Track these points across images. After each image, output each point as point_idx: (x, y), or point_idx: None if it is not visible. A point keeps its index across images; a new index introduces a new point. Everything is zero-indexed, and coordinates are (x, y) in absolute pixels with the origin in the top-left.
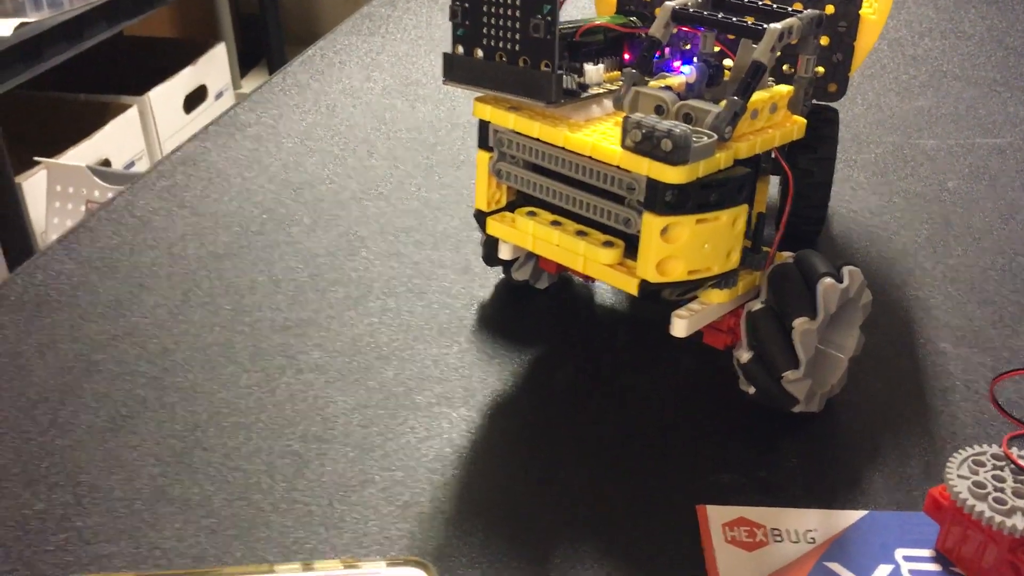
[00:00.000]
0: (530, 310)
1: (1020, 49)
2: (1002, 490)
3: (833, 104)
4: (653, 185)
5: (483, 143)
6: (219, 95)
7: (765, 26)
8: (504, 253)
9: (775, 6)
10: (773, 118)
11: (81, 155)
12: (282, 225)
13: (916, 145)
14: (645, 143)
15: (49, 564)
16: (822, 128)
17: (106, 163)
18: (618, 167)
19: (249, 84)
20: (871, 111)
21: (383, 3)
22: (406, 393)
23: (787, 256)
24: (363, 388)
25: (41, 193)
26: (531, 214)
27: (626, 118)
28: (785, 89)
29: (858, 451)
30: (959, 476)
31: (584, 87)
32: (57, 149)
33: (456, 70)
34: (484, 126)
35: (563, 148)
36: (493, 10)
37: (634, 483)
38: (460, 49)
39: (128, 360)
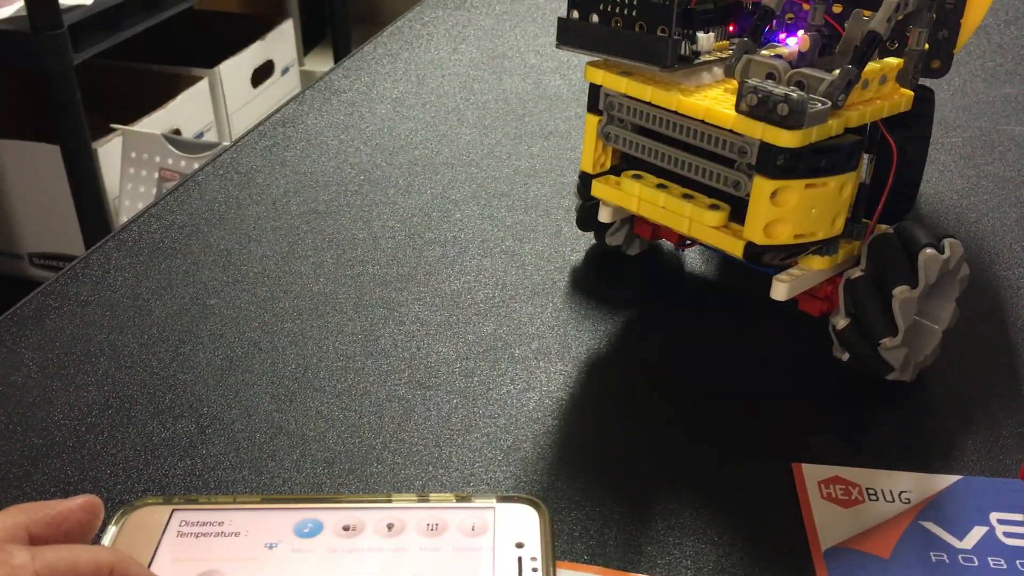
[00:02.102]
0: (621, 275)
1: None
2: None
3: (928, 86)
4: (766, 149)
5: (593, 107)
6: (285, 71)
7: None
8: (604, 216)
9: None
10: (882, 89)
11: (153, 124)
12: (378, 186)
13: (1003, 131)
14: (760, 107)
15: (179, 487)
16: (918, 106)
17: (176, 132)
18: (731, 131)
19: (312, 61)
20: (957, 96)
21: None
22: (504, 347)
23: (885, 228)
24: (463, 341)
25: (116, 159)
26: (636, 177)
27: (742, 82)
28: (895, 61)
29: (950, 419)
30: None
31: (696, 54)
32: (129, 118)
33: (570, 34)
34: (595, 90)
35: (675, 112)
36: None
37: (727, 440)
38: (575, 14)
39: (240, 305)
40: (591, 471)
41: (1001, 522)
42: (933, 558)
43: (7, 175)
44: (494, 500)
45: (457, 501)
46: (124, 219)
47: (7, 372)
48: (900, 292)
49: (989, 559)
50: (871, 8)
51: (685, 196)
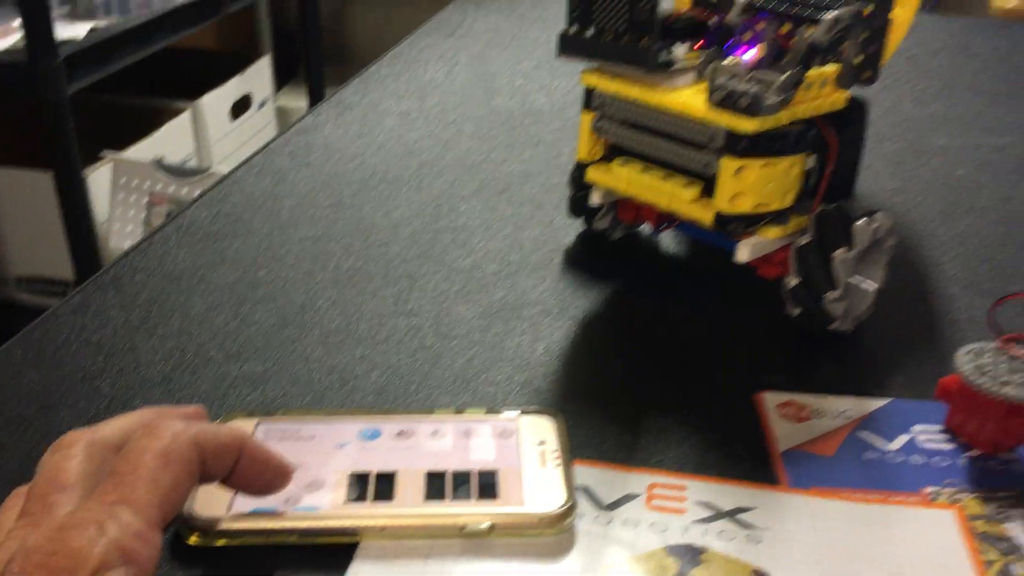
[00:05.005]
0: (607, 254)
1: (1020, 66)
2: (998, 370)
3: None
4: (731, 134)
5: (587, 105)
6: (261, 104)
7: (821, 15)
8: (595, 199)
9: (826, 2)
10: (822, 91)
11: (138, 153)
12: (393, 184)
13: (929, 142)
14: (727, 100)
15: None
16: (854, 113)
17: (160, 160)
18: (702, 120)
19: (284, 97)
20: (890, 114)
21: (455, 11)
22: (513, 309)
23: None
24: (478, 304)
25: (105, 186)
26: (624, 163)
27: (711, 80)
28: (833, 68)
29: (881, 359)
30: (965, 361)
31: (673, 61)
32: (115, 147)
33: (569, 46)
34: (589, 91)
35: (657, 106)
36: None
37: (703, 377)
38: (574, 29)
39: (286, 276)
40: (592, 399)
41: (921, 431)
42: (867, 456)
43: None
44: (518, 412)
45: (487, 414)
46: (113, 243)
47: (97, 327)
48: (839, 254)
49: (911, 457)
50: (813, 25)
51: (665, 177)
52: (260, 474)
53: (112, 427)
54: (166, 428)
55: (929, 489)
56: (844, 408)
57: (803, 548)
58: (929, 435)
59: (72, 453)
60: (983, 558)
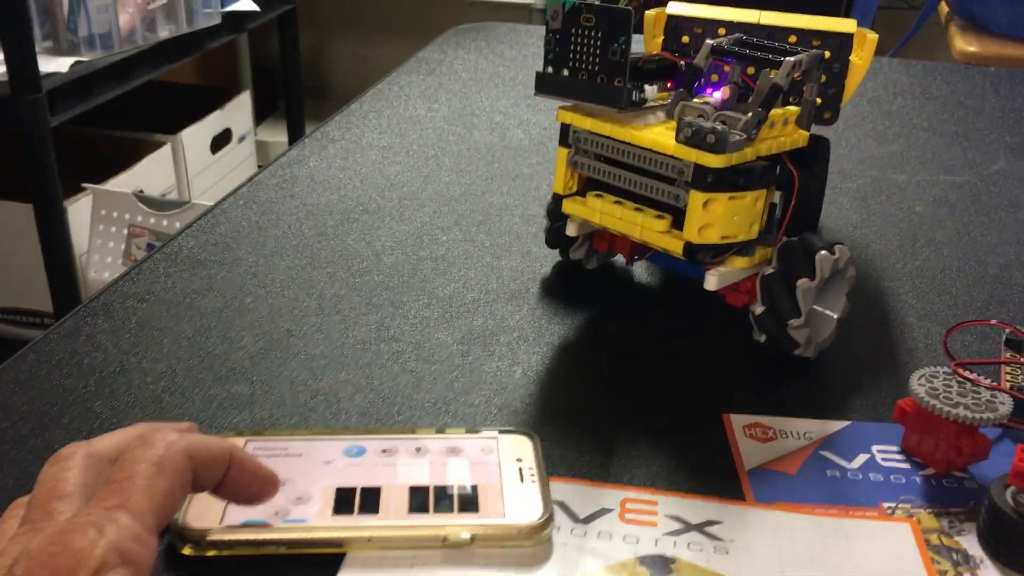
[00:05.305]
0: (582, 284)
1: (977, 108)
2: (950, 393)
3: (824, 136)
4: (699, 169)
5: (563, 141)
6: (241, 139)
7: (783, 59)
8: (571, 231)
9: (788, 47)
10: (785, 129)
11: (118, 186)
12: (375, 215)
13: (890, 179)
14: (694, 137)
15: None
16: (817, 150)
17: (140, 193)
18: (672, 156)
19: (265, 131)
20: (853, 152)
21: (434, 50)
22: (492, 335)
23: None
24: (458, 330)
25: (84, 217)
26: (598, 196)
27: (680, 119)
28: (794, 109)
29: (842, 384)
30: (919, 384)
31: (644, 100)
32: (96, 180)
33: (546, 85)
34: (565, 128)
35: (629, 143)
36: (580, 40)
37: (674, 399)
38: (550, 69)
39: (272, 303)
40: (568, 420)
41: (879, 451)
42: (829, 474)
43: None
44: (496, 432)
45: (467, 433)
46: (92, 274)
47: (89, 350)
48: (802, 283)
49: (870, 475)
50: (775, 68)
51: (637, 209)
52: (249, 484)
53: (108, 440)
54: (160, 439)
55: (886, 504)
56: (807, 429)
57: (767, 559)
58: (887, 454)
59: (70, 464)
60: (937, 568)
